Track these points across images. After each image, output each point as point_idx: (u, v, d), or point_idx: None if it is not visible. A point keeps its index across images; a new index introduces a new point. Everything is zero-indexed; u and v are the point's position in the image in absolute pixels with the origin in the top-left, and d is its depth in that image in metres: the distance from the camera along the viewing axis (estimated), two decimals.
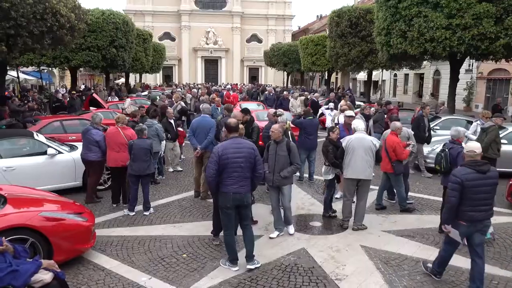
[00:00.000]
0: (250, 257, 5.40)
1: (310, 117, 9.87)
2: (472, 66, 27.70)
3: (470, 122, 11.81)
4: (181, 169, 11.04)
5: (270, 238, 6.40)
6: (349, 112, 8.68)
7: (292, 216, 7.07)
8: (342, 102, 13.99)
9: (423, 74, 35.18)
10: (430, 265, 5.29)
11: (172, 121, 10.68)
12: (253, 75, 68.17)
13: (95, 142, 7.87)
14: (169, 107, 11.51)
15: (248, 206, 5.45)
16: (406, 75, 38.18)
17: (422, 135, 10.53)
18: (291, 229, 6.64)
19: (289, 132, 8.21)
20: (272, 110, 9.30)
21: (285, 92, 22.06)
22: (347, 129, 8.37)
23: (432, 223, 7.17)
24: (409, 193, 8.35)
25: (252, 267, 5.35)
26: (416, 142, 9.29)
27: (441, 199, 8.44)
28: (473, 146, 4.81)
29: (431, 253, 5.75)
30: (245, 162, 5.23)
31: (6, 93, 19.03)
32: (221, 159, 5.16)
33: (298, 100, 17.73)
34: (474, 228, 4.71)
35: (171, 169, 10.93)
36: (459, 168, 4.82)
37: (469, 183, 4.57)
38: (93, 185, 8.18)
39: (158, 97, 15.91)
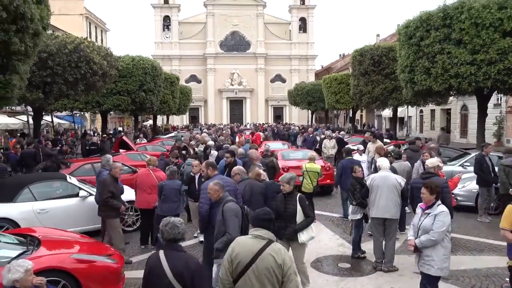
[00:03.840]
0: None
1: (349, 157, 9.88)
2: (501, 100, 27.23)
3: (501, 158, 11.49)
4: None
5: None
6: None
7: (320, 257, 6.92)
8: (379, 144, 12.08)
9: (449, 109, 34.72)
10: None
11: (196, 176, 8.28)
12: (278, 114, 68.84)
13: None
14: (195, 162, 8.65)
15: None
16: (433, 111, 37.75)
17: (488, 177, 9.57)
18: None
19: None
20: None
21: (326, 132, 20.55)
22: None
23: (466, 264, 6.89)
24: None
25: None
26: (480, 186, 9.65)
27: (476, 238, 8.23)
28: (429, 162, 6.86)
29: None
30: (231, 196, 5.51)
31: (41, 135, 19.84)
32: None
33: (332, 141, 16.70)
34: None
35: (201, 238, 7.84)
36: None
37: (414, 185, 6.68)
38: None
39: (182, 137, 16.26)
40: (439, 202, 4.90)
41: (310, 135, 20.11)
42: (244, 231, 5.01)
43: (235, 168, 6.76)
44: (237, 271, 3.44)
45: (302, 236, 5.63)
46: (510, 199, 9.04)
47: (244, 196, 6.04)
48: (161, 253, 3.57)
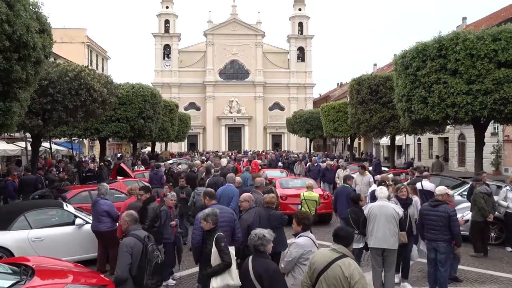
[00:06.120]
0: None
1: (345, 185, 9.85)
2: (498, 129, 27.43)
3: (500, 187, 11.46)
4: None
5: None
6: None
7: None
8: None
9: (447, 138, 34.91)
10: None
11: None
12: (276, 141, 69.05)
13: (104, 212, 7.91)
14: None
15: None
16: (430, 139, 37.92)
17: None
18: None
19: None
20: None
21: (327, 160, 19.72)
22: None
23: None
24: None
25: None
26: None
27: (477, 269, 8.15)
28: (438, 190, 7.00)
29: None
30: (227, 226, 5.56)
31: (39, 161, 19.73)
32: None
33: (346, 171, 15.61)
34: (430, 245, 6.68)
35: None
36: None
37: (423, 212, 6.86)
38: (115, 256, 8.14)
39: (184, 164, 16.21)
40: (303, 234, 5.05)
41: (315, 164, 18.96)
42: (141, 269, 4.74)
43: (244, 194, 6.58)
44: (313, 277, 4.04)
45: (214, 283, 4.86)
46: (481, 227, 9.14)
47: (254, 224, 5.89)
48: (250, 258, 4.35)
